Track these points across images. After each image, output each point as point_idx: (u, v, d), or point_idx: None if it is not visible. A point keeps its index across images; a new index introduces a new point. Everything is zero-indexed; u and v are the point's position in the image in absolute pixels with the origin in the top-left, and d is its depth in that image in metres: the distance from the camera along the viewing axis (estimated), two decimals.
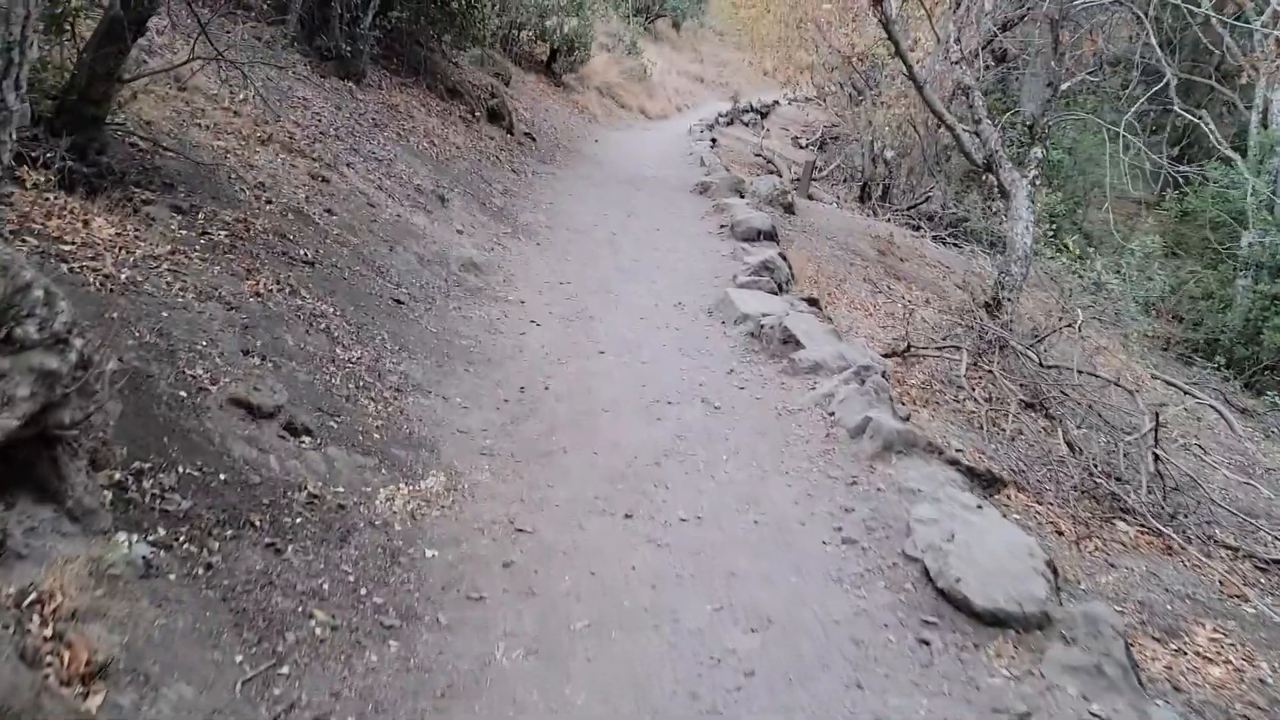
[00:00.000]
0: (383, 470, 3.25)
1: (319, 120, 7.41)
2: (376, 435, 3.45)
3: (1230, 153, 15.02)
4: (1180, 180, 15.83)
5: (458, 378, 4.30)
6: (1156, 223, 22.47)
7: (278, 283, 4.40)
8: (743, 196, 9.18)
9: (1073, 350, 8.38)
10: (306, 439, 3.22)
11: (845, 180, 15.55)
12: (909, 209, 12.55)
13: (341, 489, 3.03)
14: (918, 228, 12.15)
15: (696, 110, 21.53)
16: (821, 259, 8.26)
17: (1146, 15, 8.20)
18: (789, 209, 9.63)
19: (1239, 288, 14.57)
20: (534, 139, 11.96)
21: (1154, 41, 8.02)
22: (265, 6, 8.68)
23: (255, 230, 4.88)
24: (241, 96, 6.69)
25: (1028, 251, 7.86)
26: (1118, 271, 11.02)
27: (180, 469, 2.63)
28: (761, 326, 4.88)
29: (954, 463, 3.40)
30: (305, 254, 4.96)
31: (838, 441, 3.66)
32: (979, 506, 2.86)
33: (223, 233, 4.66)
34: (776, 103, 24.91)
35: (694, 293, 6.15)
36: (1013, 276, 7.83)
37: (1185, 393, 9.12)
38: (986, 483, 3.39)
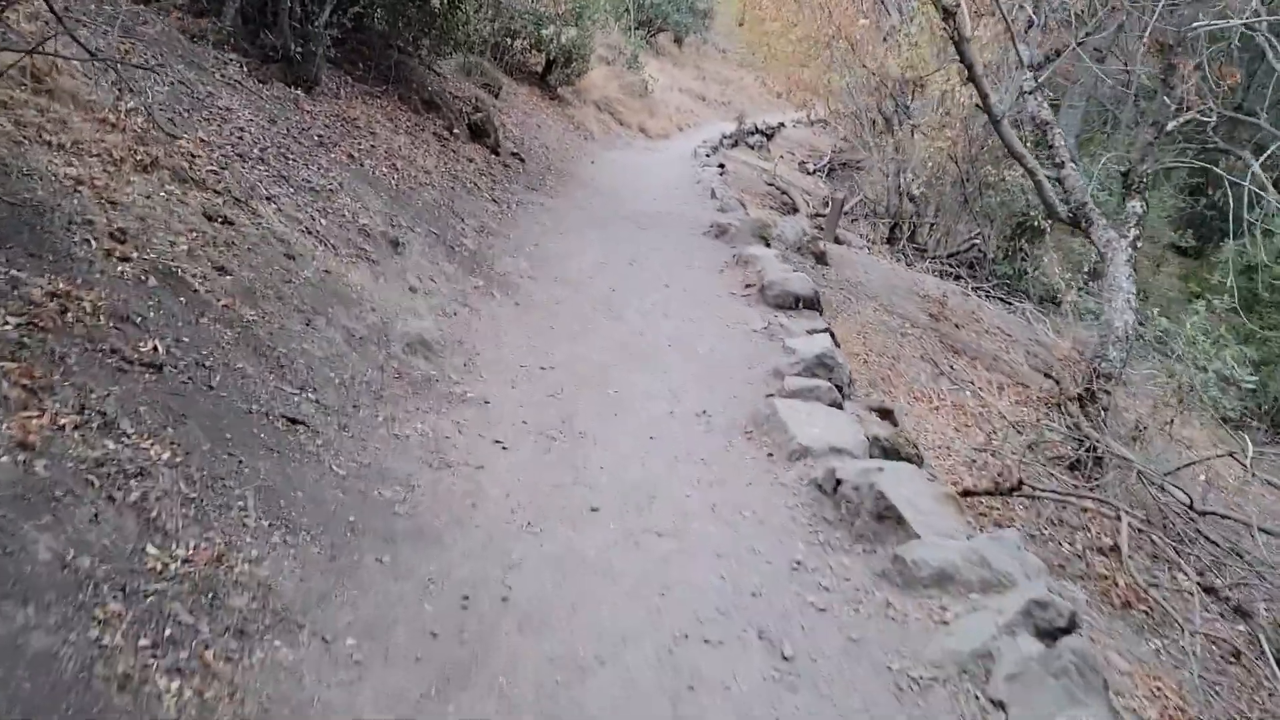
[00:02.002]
0: None
1: (240, 137, 5.75)
2: None
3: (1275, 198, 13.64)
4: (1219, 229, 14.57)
5: (359, 581, 2.64)
6: (1180, 268, 21.12)
7: (80, 412, 2.72)
8: (768, 244, 7.60)
9: (1169, 449, 6.83)
10: None
11: (867, 215, 14.04)
12: (949, 256, 11.01)
13: None
14: (958, 277, 10.60)
15: (699, 130, 20.07)
16: (868, 329, 6.67)
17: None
18: (820, 258, 8.07)
19: None
20: (522, 160, 10.37)
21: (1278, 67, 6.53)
22: None
23: (79, 311, 3.20)
24: (131, 105, 5.06)
25: (1129, 332, 6.29)
26: (1193, 343, 9.42)
27: None
28: (838, 481, 3.24)
29: None
30: (154, 347, 3.28)
31: None
32: None
33: (15, 319, 3.00)
34: (782, 125, 23.68)
35: (723, 393, 4.52)
36: (1110, 362, 6.27)
37: None
38: None
